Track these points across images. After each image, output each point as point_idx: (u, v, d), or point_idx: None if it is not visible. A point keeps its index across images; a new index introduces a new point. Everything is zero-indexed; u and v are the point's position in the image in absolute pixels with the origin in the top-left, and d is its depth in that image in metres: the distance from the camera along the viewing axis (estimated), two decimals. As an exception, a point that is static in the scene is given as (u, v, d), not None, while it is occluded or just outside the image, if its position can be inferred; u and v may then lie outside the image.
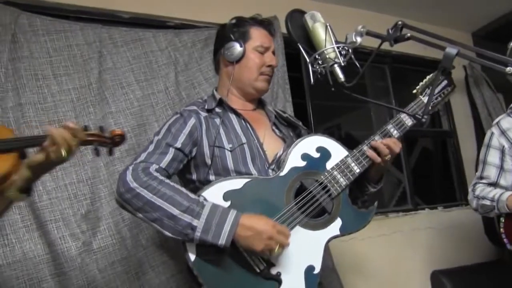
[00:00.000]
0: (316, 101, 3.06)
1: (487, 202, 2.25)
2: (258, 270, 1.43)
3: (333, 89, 1.50)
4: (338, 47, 1.48)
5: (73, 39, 2.19)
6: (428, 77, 1.84)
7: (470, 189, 2.41)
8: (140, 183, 1.40)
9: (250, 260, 1.43)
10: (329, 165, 1.64)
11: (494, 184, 2.31)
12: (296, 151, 1.62)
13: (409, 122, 1.73)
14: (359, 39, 1.43)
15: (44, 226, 1.89)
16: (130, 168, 1.46)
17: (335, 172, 1.61)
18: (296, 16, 1.58)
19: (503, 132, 2.33)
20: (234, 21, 1.79)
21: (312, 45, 1.55)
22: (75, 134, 1.19)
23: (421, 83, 1.85)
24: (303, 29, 1.58)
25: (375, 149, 1.64)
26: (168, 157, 1.53)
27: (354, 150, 1.67)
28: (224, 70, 1.80)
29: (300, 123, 1.92)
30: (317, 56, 1.50)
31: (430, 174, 4.09)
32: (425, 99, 1.79)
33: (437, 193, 4.01)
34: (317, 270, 1.49)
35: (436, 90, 1.81)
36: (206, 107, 1.72)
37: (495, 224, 3.58)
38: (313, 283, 1.48)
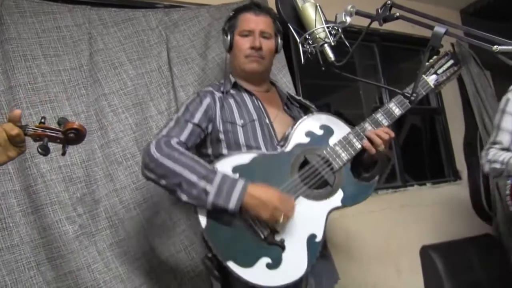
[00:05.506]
0: (305, 80, 3.06)
1: (497, 166, 2.35)
2: (262, 236, 1.52)
3: (323, 68, 1.52)
4: (328, 27, 1.49)
5: (62, 20, 2.15)
6: (433, 58, 1.87)
7: (483, 154, 2.49)
8: (163, 154, 1.55)
9: (255, 226, 1.53)
10: (332, 141, 1.73)
11: (507, 150, 2.38)
12: (300, 128, 1.73)
13: (398, 111, 1.77)
14: (348, 19, 1.45)
15: (40, 210, 1.89)
16: (154, 141, 1.61)
17: (337, 148, 1.70)
18: (286, -4, 1.59)
19: None
20: (231, 13, 1.93)
21: (302, 25, 1.56)
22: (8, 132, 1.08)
23: (426, 64, 1.87)
24: (293, 9, 1.59)
25: (368, 139, 1.71)
26: (187, 131, 1.68)
27: (356, 127, 1.75)
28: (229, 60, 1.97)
29: (313, 106, 2.02)
30: (307, 36, 1.52)
31: (419, 151, 4.13)
32: (428, 79, 1.83)
33: (426, 170, 4.05)
34: (318, 239, 1.58)
35: (442, 69, 1.86)
36: (221, 89, 1.86)
37: (481, 200, 3.68)
38: (315, 250, 1.56)
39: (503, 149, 2.39)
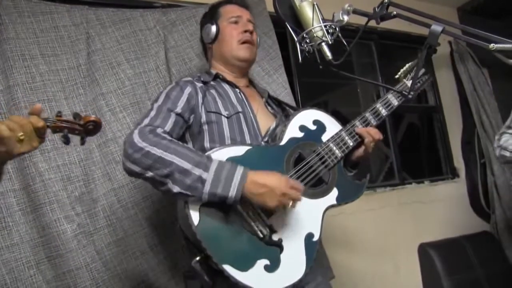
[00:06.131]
0: (303, 78, 3.07)
1: (507, 154, 2.32)
2: (261, 236, 1.43)
3: (321, 67, 1.53)
4: (325, 26, 1.49)
5: (60, 20, 2.15)
6: (409, 64, 1.91)
7: (496, 137, 2.43)
8: (149, 142, 1.40)
9: (253, 225, 1.43)
10: (325, 137, 1.71)
11: None
12: (294, 122, 1.68)
13: (384, 112, 1.81)
14: (346, 18, 1.45)
15: (38, 208, 1.89)
16: (136, 131, 1.45)
17: (331, 144, 1.68)
18: (284, -5, 1.59)
19: None
20: (208, 9, 1.91)
21: (299, 24, 1.57)
22: (34, 124, 1.14)
23: (402, 69, 1.92)
24: (290, 7, 1.59)
25: (360, 135, 1.72)
26: (171, 121, 1.54)
27: (347, 125, 1.74)
28: (210, 53, 1.87)
29: (290, 105, 2.00)
30: (304, 35, 1.52)
31: (417, 149, 4.14)
32: (409, 83, 1.85)
33: (423, 168, 4.07)
34: (316, 238, 1.53)
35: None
36: (202, 79, 1.74)
37: (479, 197, 3.69)
38: (312, 249, 1.51)
39: None
